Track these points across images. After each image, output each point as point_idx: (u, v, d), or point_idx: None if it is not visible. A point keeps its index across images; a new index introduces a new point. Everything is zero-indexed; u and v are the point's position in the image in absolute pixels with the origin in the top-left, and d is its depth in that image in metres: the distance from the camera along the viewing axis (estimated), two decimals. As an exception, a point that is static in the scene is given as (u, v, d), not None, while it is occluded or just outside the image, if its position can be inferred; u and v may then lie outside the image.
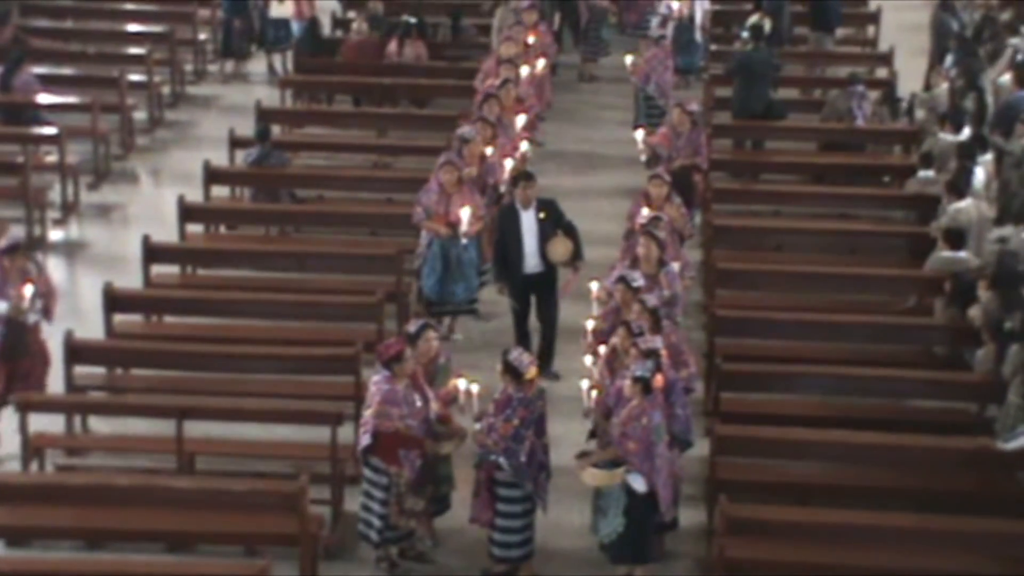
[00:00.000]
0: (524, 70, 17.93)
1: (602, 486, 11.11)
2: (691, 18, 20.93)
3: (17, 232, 13.18)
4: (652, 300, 12.02)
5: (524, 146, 16.31)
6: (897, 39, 21.64)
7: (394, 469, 11.14)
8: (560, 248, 13.89)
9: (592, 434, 11.83)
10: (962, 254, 14.19)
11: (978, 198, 15.14)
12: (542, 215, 13.93)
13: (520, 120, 16.56)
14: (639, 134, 16.23)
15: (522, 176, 14.24)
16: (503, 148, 15.68)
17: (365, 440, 11.12)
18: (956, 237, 14.30)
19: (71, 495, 11.38)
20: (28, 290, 12.65)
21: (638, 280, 12.45)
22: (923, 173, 16.33)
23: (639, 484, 10.95)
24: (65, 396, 13.07)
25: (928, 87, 19.94)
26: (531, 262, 13.98)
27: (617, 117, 20.39)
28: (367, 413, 11.15)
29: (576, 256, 13.98)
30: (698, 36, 21.09)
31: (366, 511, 11.37)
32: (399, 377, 11.12)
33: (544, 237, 13.91)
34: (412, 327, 11.69)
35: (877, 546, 10.94)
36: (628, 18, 23.00)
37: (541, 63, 18.69)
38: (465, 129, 15.58)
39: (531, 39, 19.10)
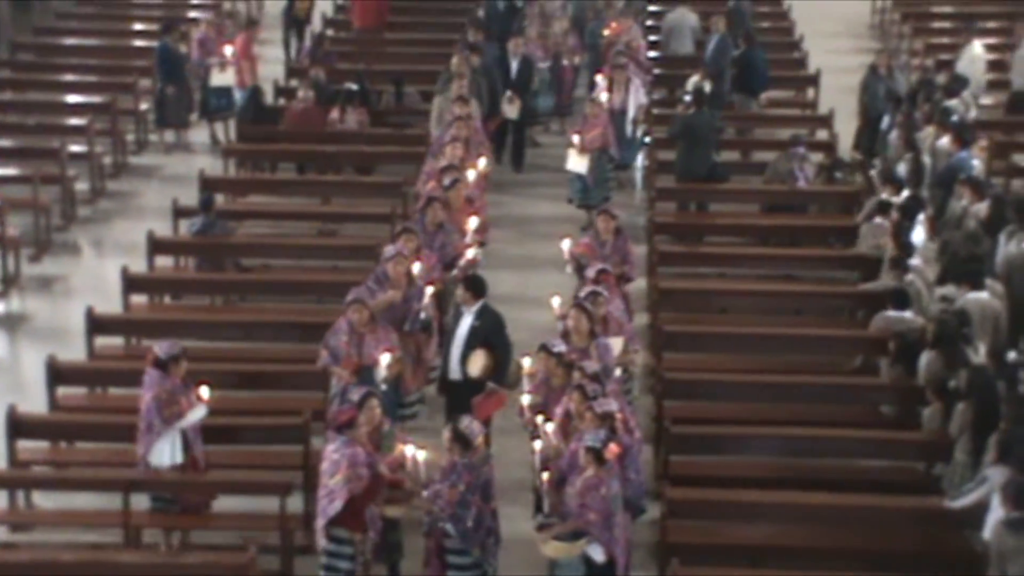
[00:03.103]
0: (470, 174, 16.74)
1: (562, 557, 11.06)
2: (623, 111, 19.92)
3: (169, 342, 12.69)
4: (591, 366, 12.00)
5: (471, 253, 15.25)
6: (836, 101, 21.89)
7: (359, 536, 11.07)
8: (477, 362, 13.21)
9: (539, 506, 11.80)
10: (907, 314, 14.33)
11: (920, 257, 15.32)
12: (477, 323, 13.41)
13: (473, 222, 15.68)
14: (565, 243, 14.96)
15: (467, 281, 13.68)
16: (428, 260, 14.57)
17: (335, 508, 10.95)
18: (900, 297, 14.45)
19: (16, 573, 11.23)
20: (205, 392, 12.35)
21: (558, 346, 12.43)
22: (879, 220, 16.35)
23: (598, 555, 10.94)
24: (8, 471, 12.92)
25: (858, 147, 20.19)
26: (453, 367, 13.41)
27: (560, 184, 20.35)
28: (332, 482, 11.00)
29: (496, 377, 13.13)
30: (629, 130, 19.98)
31: None
32: (358, 440, 11.07)
33: (470, 347, 13.31)
34: (355, 396, 11.62)
35: (829, 607, 10.98)
36: (560, 98, 22.35)
37: (483, 162, 17.67)
38: (387, 249, 14.48)
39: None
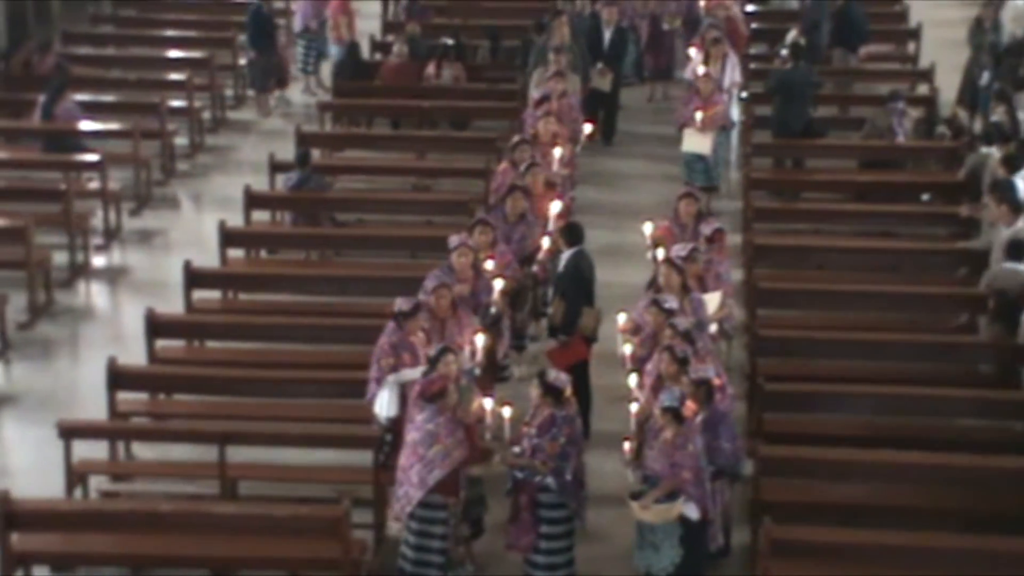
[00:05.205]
0: (556, 151, 16.04)
1: (659, 520, 11.03)
2: (719, 85, 18.62)
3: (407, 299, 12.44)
4: (683, 323, 11.93)
5: (547, 243, 14.23)
6: (938, 55, 21.54)
7: (452, 500, 11.13)
8: (551, 309, 13.65)
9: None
10: (1022, 266, 13.90)
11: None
12: (561, 271, 13.63)
13: (555, 207, 14.67)
14: (647, 227, 14.16)
15: (564, 228, 13.86)
16: (502, 257, 13.75)
17: (435, 476, 10.94)
18: (1016, 248, 14.01)
19: (115, 521, 11.40)
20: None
21: (670, 302, 12.33)
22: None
23: (693, 512, 10.92)
24: (108, 422, 13.11)
25: (961, 102, 19.86)
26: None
27: (649, 140, 20.18)
28: (432, 452, 10.96)
29: (564, 327, 13.36)
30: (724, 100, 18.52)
31: (421, 551, 11.21)
32: (448, 409, 11.10)
33: (556, 293, 13.62)
34: (432, 351, 11.61)
35: (923, 567, 10.84)
36: (650, 61, 21.95)
37: (588, 127, 17.32)
38: (452, 238, 13.51)
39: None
